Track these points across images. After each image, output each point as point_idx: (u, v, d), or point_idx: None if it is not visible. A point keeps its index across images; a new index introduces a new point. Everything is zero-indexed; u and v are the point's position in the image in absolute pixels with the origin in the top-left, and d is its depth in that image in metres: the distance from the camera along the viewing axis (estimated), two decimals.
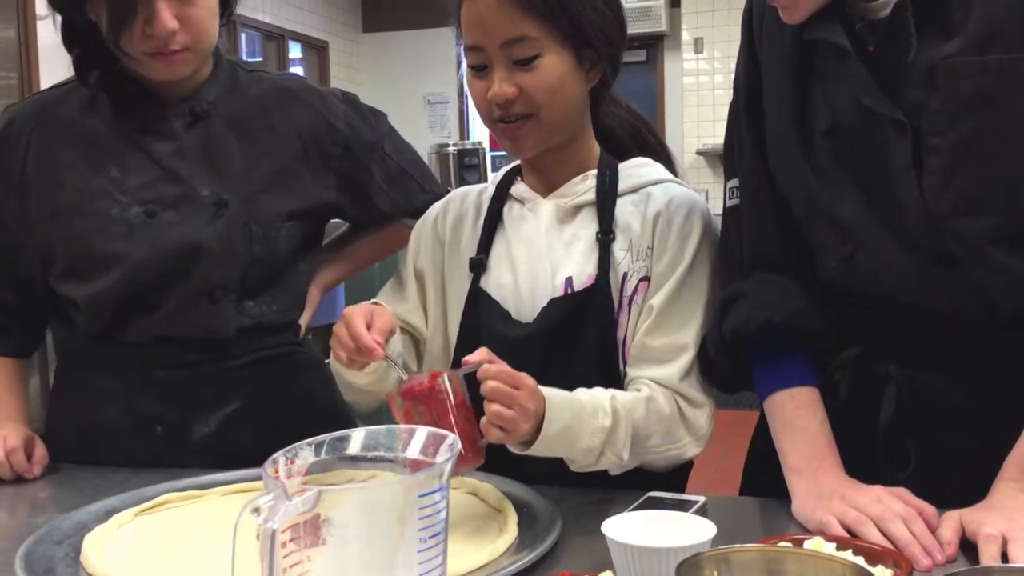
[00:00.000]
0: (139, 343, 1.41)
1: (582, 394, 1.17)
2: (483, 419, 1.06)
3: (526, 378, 1.09)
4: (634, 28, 7.22)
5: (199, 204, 1.39)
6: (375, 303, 1.29)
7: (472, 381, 1.08)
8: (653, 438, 1.22)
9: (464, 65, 1.27)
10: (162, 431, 1.42)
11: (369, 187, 1.56)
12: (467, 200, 1.43)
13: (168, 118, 1.42)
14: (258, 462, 0.73)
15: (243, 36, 6.74)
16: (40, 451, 1.40)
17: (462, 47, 1.27)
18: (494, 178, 1.43)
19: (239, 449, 1.36)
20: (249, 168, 1.44)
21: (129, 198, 1.39)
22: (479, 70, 1.25)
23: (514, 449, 1.12)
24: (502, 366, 1.07)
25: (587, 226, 1.31)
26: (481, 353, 1.09)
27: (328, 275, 1.61)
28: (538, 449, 1.11)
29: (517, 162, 1.40)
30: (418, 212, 1.51)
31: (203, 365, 1.43)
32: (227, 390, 1.44)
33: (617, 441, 1.17)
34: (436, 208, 1.45)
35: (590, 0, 1.24)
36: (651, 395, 1.23)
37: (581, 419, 1.14)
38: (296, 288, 1.53)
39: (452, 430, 1.02)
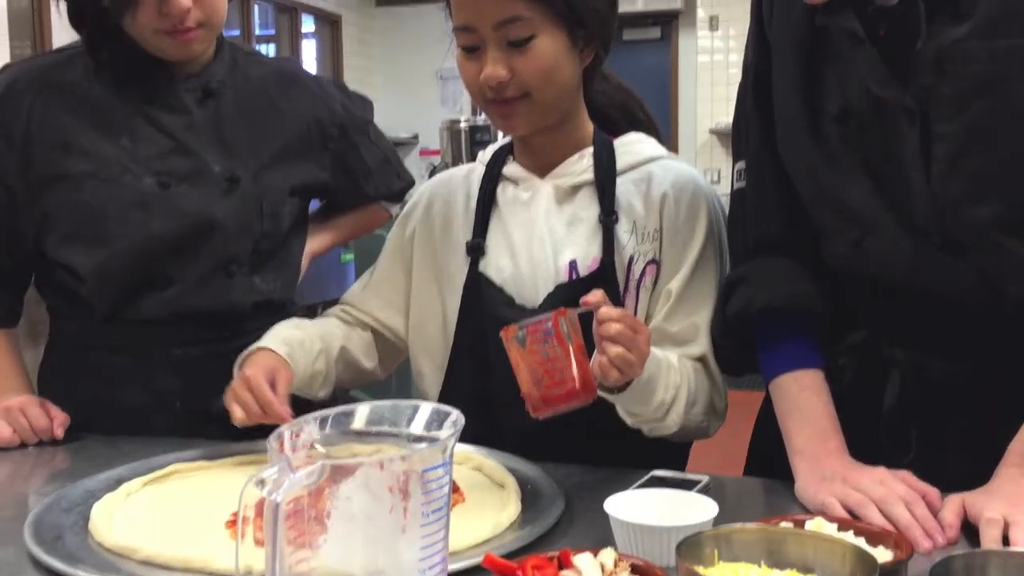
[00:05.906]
0: (154, 320, 1.43)
1: (655, 348, 1.15)
2: (599, 359, 1.06)
3: (642, 323, 1.10)
4: (649, 5, 7.17)
5: (211, 179, 1.43)
6: (269, 349, 1.30)
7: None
8: (697, 405, 1.22)
9: (454, 44, 1.25)
10: (181, 407, 1.45)
11: (358, 169, 1.65)
12: (452, 183, 1.41)
13: (179, 92, 1.44)
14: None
15: (256, 8, 6.71)
16: (58, 413, 1.40)
17: (451, 27, 1.24)
18: (481, 157, 1.41)
19: None
20: (256, 146, 1.48)
21: (142, 168, 1.40)
22: (470, 51, 1.23)
23: (602, 394, 1.10)
24: (622, 309, 1.07)
25: (587, 207, 1.30)
26: (597, 295, 1.07)
27: (315, 245, 1.67)
28: (624, 398, 1.12)
29: (506, 140, 1.37)
30: (396, 197, 1.73)
31: (218, 343, 1.44)
32: None
33: (679, 400, 1.18)
34: (420, 195, 1.44)
35: None
36: (696, 365, 1.23)
37: (660, 371, 1.15)
38: (292, 266, 1.58)
39: (573, 368, 1.04)
